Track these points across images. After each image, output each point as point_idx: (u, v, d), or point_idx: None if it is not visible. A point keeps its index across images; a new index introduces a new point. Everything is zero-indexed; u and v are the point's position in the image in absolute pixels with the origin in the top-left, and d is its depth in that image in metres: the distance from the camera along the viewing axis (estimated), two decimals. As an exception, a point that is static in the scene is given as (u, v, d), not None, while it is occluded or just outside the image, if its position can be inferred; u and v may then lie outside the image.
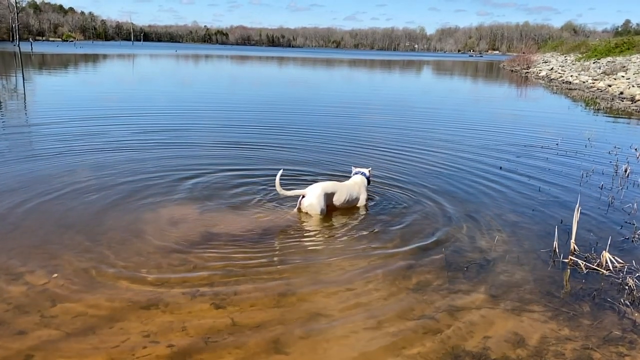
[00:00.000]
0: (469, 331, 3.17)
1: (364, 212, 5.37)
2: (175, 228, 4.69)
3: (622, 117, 14.66)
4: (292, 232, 4.74)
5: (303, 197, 5.19)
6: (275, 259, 4.13)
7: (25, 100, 14.80)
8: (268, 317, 3.25)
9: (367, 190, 5.66)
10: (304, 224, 4.98)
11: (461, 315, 3.35)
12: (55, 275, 3.67)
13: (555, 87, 26.19)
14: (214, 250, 4.20)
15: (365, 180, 5.64)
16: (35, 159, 7.00)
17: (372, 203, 5.62)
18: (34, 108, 13.27)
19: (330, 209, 5.26)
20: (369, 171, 5.77)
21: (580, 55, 43.43)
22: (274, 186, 5.17)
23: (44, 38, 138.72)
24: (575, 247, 4.41)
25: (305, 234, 4.73)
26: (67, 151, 7.58)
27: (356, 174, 5.71)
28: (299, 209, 5.20)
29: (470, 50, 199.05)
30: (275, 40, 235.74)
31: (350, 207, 5.43)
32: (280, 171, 5.22)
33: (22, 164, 6.73)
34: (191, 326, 3.11)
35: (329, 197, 5.23)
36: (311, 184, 5.33)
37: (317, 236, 4.69)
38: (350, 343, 3.02)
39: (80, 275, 3.69)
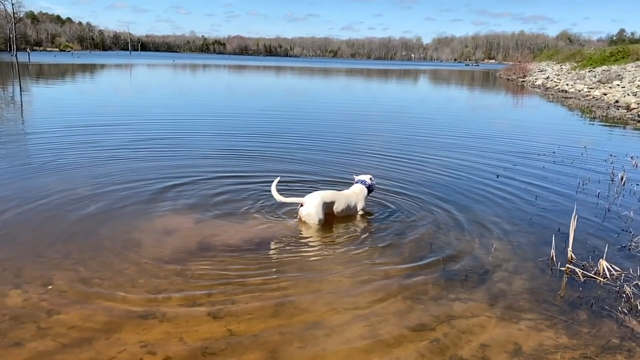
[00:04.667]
0: (466, 340, 3.17)
1: (361, 221, 5.37)
2: (172, 237, 4.68)
3: (617, 125, 14.74)
4: (289, 242, 4.73)
5: (301, 205, 5.19)
6: (273, 268, 4.12)
7: (22, 109, 14.81)
8: (266, 327, 3.24)
9: (368, 199, 5.67)
10: (302, 233, 4.97)
11: (459, 324, 3.35)
12: (51, 286, 3.66)
13: (551, 96, 26.34)
14: (211, 260, 4.19)
15: (365, 190, 5.61)
16: (31, 168, 6.99)
17: (369, 211, 5.62)
18: (30, 117, 13.26)
19: (328, 218, 5.26)
20: (371, 179, 5.73)
21: (575, 64, 43.75)
22: (271, 193, 5.18)
23: (41, 48, 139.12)
24: (573, 255, 4.42)
25: (302, 244, 4.72)
26: (62, 160, 7.57)
27: (357, 182, 5.70)
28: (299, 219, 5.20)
29: (466, 59, 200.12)
30: (273, 50, 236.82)
31: (348, 215, 5.44)
32: (277, 179, 5.22)
33: (18, 172, 6.71)
34: (188, 336, 3.10)
35: (328, 206, 5.23)
36: (310, 192, 5.34)
37: (315, 246, 4.68)
38: (348, 352, 3.01)
39: (77, 286, 3.67)
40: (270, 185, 5.25)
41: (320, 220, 5.12)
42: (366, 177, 5.73)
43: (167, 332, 3.13)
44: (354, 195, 5.52)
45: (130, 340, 3.03)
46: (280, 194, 5.18)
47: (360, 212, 5.52)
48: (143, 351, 2.93)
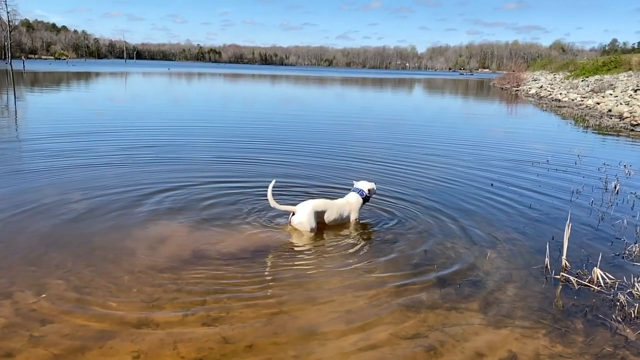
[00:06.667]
0: (461, 348, 3.16)
1: (356, 230, 5.37)
2: (165, 245, 4.66)
3: (610, 134, 14.84)
4: (284, 251, 4.72)
5: (293, 214, 5.19)
6: (268, 277, 4.11)
7: (16, 117, 14.76)
8: (260, 336, 3.22)
9: (366, 205, 5.65)
10: (296, 241, 4.97)
11: (454, 333, 3.34)
12: (44, 295, 3.63)
13: (544, 105, 26.52)
14: (205, 268, 4.17)
15: (361, 200, 5.55)
16: (24, 174, 6.96)
17: (363, 220, 5.62)
18: (24, 125, 13.23)
19: (320, 226, 5.25)
20: (369, 190, 5.64)
21: (568, 74, 44.12)
22: (266, 199, 5.17)
23: (36, 56, 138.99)
24: (567, 264, 4.43)
25: (297, 252, 4.71)
26: (56, 166, 7.54)
27: (354, 190, 5.64)
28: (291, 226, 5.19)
29: (460, 69, 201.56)
30: (268, 59, 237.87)
31: (341, 224, 5.43)
32: (272, 182, 5.21)
33: (10, 179, 6.68)
34: (182, 345, 3.07)
35: (319, 215, 5.22)
36: (306, 199, 5.33)
37: (310, 254, 4.67)
38: (343, 362, 3.00)
39: (69, 295, 3.65)
40: (266, 192, 5.22)
41: (312, 229, 5.11)
42: (365, 186, 5.64)
43: (161, 341, 3.11)
44: (348, 205, 5.49)
45: (123, 350, 3.01)
46: (276, 200, 5.18)
47: (353, 224, 5.48)
48: (136, 361, 2.91)
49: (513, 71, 55.03)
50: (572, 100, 27.09)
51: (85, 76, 47.13)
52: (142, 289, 3.78)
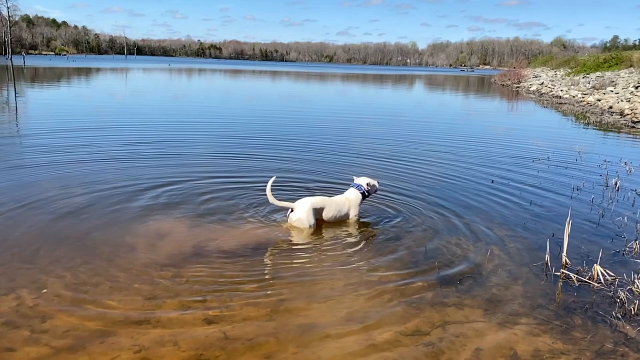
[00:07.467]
0: (462, 345, 3.17)
1: (356, 226, 5.36)
2: (166, 242, 4.66)
3: (611, 131, 14.83)
4: (284, 247, 4.72)
5: (291, 210, 5.18)
6: (268, 273, 4.11)
7: (16, 112, 14.75)
8: (261, 332, 3.23)
9: (367, 201, 5.62)
10: (296, 238, 4.96)
11: (454, 329, 3.35)
12: (45, 290, 3.63)
13: (545, 102, 26.49)
14: (205, 265, 4.17)
15: (360, 196, 5.52)
16: (23, 169, 6.96)
17: (364, 216, 5.62)
18: (25, 120, 13.22)
19: (319, 223, 5.25)
20: (367, 184, 5.59)
21: (569, 70, 44.04)
22: (264, 194, 5.17)
23: (36, 52, 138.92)
24: (567, 261, 4.44)
25: (297, 248, 4.71)
26: (56, 162, 7.55)
27: (353, 186, 5.61)
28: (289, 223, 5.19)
29: (461, 65, 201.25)
30: (269, 55, 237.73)
31: (340, 221, 5.41)
32: (273, 178, 5.21)
33: (10, 174, 6.69)
34: (183, 341, 3.08)
35: (317, 212, 5.21)
36: (306, 195, 5.33)
37: (310, 251, 4.67)
38: (343, 357, 3.00)
39: (71, 290, 3.65)
40: (265, 186, 5.22)
41: (311, 226, 5.11)
42: (364, 181, 5.60)
43: (162, 337, 3.12)
44: (347, 201, 5.46)
45: (124, 346, 3.01)
46: (275, 195, 5.18)
47: (354, 220, 5.46)
48: (137, 357, 2.91)
49: (514, 68, 55.00)
50: (573, 97, 27.05)
51: (85, 72, 47.08)
52: (143, 285, 3.79)
